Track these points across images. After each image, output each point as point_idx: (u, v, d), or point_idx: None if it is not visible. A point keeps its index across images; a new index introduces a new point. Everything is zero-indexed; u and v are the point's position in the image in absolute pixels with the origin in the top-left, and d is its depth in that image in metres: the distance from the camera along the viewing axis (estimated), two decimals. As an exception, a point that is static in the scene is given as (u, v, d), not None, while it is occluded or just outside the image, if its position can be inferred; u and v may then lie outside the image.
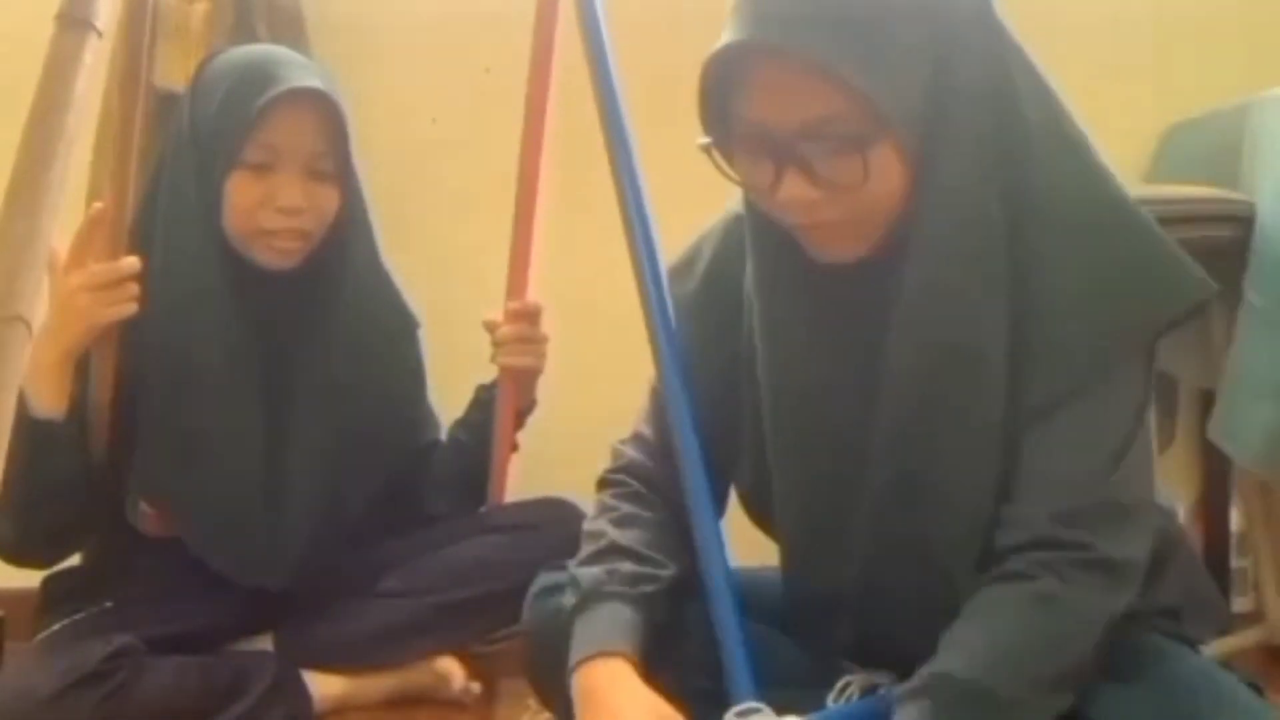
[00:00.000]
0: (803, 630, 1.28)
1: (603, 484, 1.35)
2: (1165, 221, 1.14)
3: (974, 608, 1.09)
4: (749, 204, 1.18)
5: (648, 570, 1.23)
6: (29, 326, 0.83)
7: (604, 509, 1.30)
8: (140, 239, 1.61)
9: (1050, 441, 1.10)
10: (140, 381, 1.64)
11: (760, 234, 1.18)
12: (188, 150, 1.64)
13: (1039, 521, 1.08)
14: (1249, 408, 1.67)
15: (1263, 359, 1.67)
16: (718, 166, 1.13)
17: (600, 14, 1.48)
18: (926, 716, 1.03)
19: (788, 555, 1.27)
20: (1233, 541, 2.09)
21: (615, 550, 1.24)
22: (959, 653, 1.06)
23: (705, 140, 1.12)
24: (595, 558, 1.24)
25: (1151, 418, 1.15)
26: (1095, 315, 1.09)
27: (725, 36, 1.06)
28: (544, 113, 1.74)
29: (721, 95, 1.10)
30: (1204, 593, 1.25)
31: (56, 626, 1.66)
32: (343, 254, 1.71)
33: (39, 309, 0.88)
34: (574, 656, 1.18)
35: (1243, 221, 1.72)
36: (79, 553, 1.75)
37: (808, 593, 1.26)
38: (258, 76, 1.62)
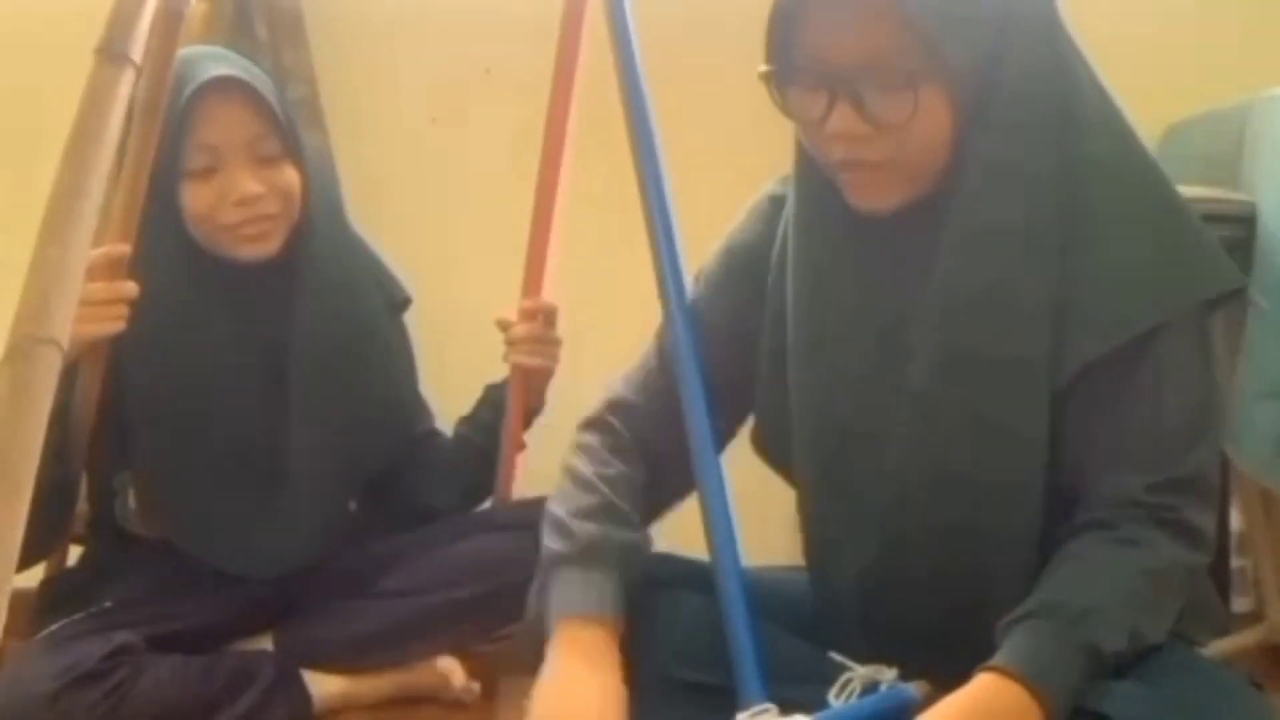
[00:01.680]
0: (820, 588, 1.29)
1: (590, 424, 1.36)
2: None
3: (1064, 553, 1.12)
4: (799, 148, 1.21)
5: (638, 542, 1.25)
6: (61, 349, 0.85)
7: (593, 457, 1.31)
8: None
9: (1130, 412, 1.13)
10: (134, 393, 1.64)
11: (806, 178, 1.21)
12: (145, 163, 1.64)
13: (1128, 487, 1.12)
14: (1256, 412, 1.67)
15: (1264, 358, 1.67)
16: (772, 97, 1.16)
17: (627, 9, 1.47)
18: (1040, 636, 1.04)
19: (807, 500, 1.28)
20: (1233, 541, 2.09)
21: (612, 512, 1.25)
22: (1062, 584, 1.08)
23: (764, 69, 1.15)
24: (593, 514, 1.25)
25: None
26: (1146, 287, 1.12)
27: None
28: (566, 113, 1.72)
29: (787, 24, 1.13)
30: (1205, 595, 1.26)
31: (56, 626, 1.66)
32: (313, 234, 1.71)
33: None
34: (562, 607, 1.19)
35: (1243, 221, 1.72)
36: (57, 555, 1.75)
37: (826, 536, 1.27)
38: (176, 83, 1.59)
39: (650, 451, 1.33)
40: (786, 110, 1.17)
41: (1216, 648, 1.66)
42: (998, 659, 1.05)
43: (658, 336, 1.38)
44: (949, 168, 1.13)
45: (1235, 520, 2.08)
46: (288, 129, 1.67)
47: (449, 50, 2.19)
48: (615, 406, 1.36)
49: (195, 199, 1.63)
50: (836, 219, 1.19)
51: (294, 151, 1.68)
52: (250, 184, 1.63)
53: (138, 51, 0.96)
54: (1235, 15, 2.22)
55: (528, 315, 1.79)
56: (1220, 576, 2.05)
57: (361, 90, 2.17)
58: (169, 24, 1.38)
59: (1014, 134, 1.12)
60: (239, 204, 1.63)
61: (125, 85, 0.94)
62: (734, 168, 2.07)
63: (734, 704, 1.18)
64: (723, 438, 1.34)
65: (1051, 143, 1.13)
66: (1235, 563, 2.10)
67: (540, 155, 1.75)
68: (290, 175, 1.67)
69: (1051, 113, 1.13)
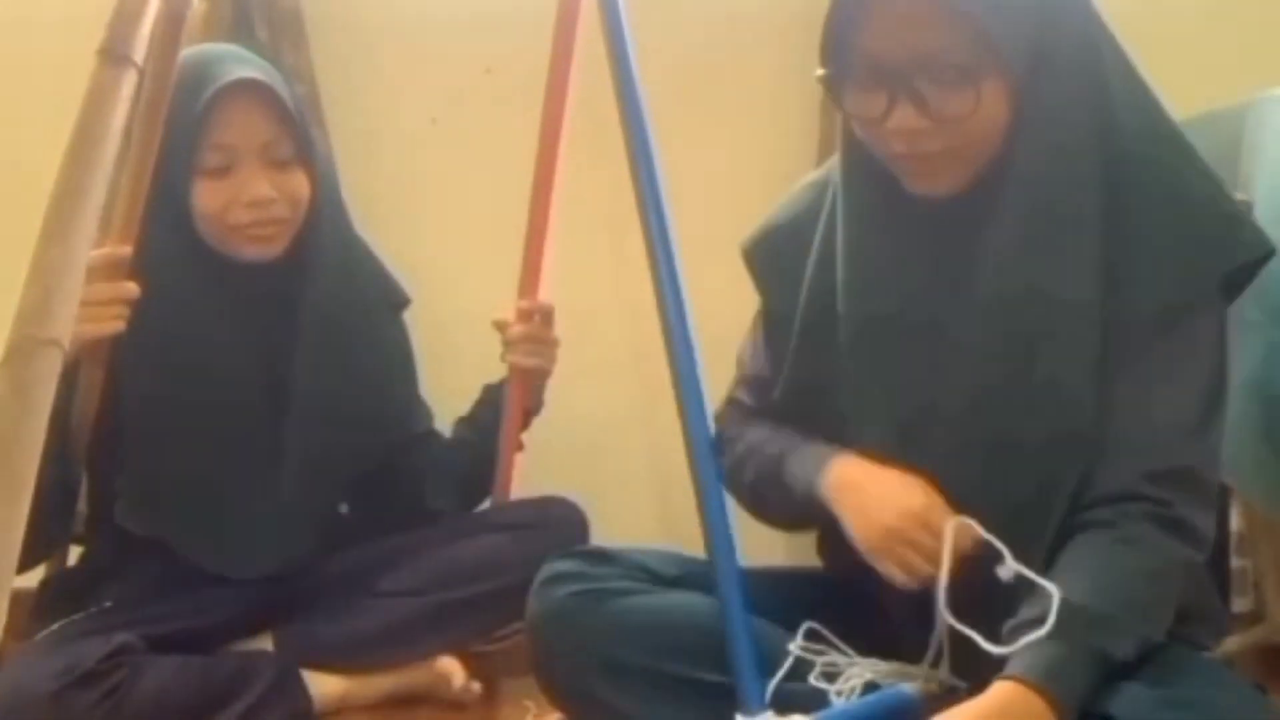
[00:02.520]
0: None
1: (720, 416, 1.41)
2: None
3: (1066, 556, 1.13)
4: (846, 137, 1.24)
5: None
6: (62, 350, 0.85)
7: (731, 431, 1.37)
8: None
9: (1140, 400, 1.15)
10: (132, 390, 1.64)
11: (854, 167, 1.25)
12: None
13: (1128, 477, 1.13)
14: (1234, 417, 1.67)
15: (1246, 359, 1.66)
16: (830, 97, 1.21)
17: (622, 10, 1.47)
18: (1054, 645, 1.06)
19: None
20: (1233, 541, 2.09)
21: (772, 433, 1.32)
22: (1071, 589, 1.10)
23: (821, 72, 1.19)
24: (755, 449, 1.32)
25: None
26: (1180, 252, 1.16)
27: None
28: (561, 112, 1.73)
29: (844, 28, 1.17)
30: (1206, 599, 1.26)
31: (55, 626, 1.66)
32: (319, 236, 1.71)
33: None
34: (811, 471, 1.26)
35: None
36: (55, 556, 1.75)
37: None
38: (192, 81, 1.61)
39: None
40: (844, 109, 1.21)
41: (1217, 648, 1.66)
42: (1014, 669, 1.06)
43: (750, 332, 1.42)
44: (1002, 149, 1.17)
45: (1235, 520, 2.08)
46: (302, 132, 1.68)
47: (449, 50, 2.19)
48: (729, 407, 1.41)
49: (207, 197, 1.63)
50: (892, 205, 1.22)
51: (306, 155, 1.68)
52: (263, 187, 1.63)
53: (140, 53, 0.96)
54: (1235, 15, 2.22)
55: (525, 316, 1.80)
56: (1220, 576, 2.05)
57: (361, 90, 2.17)
58: (171, 26, 1.38)
59: (1062, 115, 1.15)
60: (250, 206, 1.63)
61: (127, 86, 0.94)
62: (730, 167, 2.08)
63: (730, 700, 1.18)
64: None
65: (1093, 121, 1.17)
66: (1235, 563, 2.09)
67: (535, 155, 1.75)
68: (300, 180, 1.67)
69: (1091, 91, 1.17)
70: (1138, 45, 2.25)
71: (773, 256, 1.36)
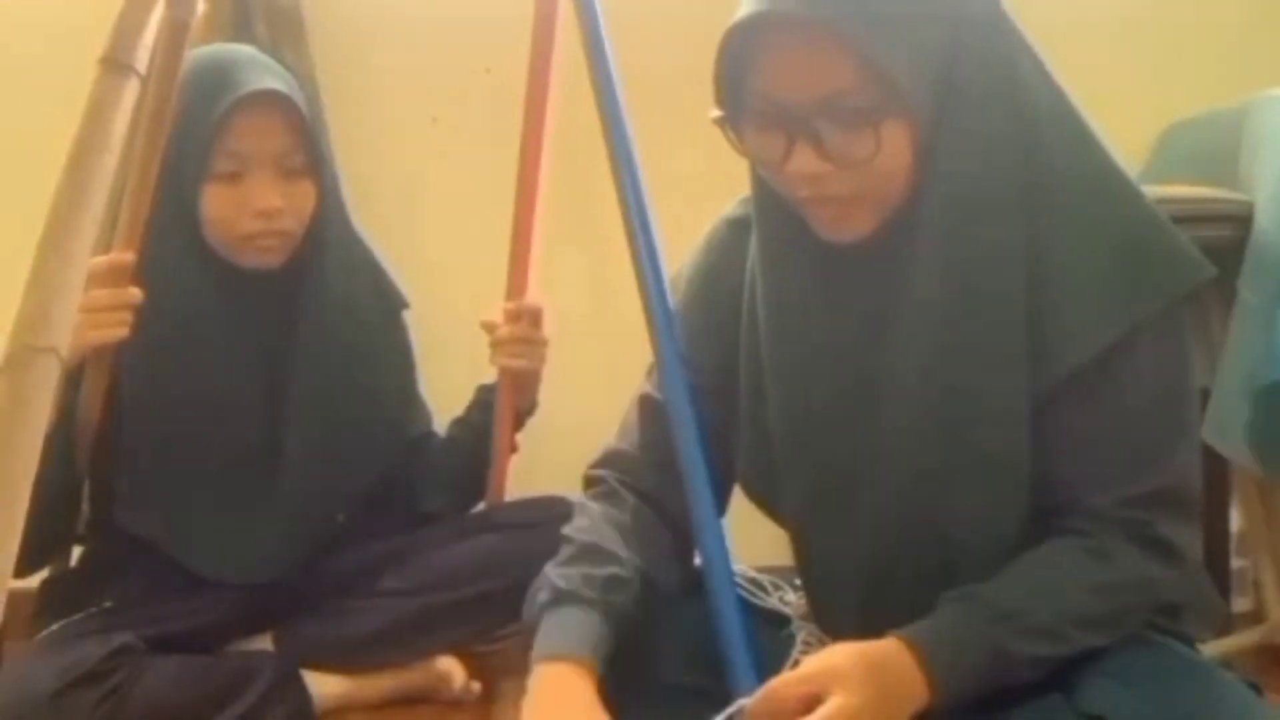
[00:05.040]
0: (815, 612, 1.29)
1: (587, 482, 1.35)
2: (1163, 221, 1.15)
3: (1028, 555, 1.12)
4: (757, 182, 1.19)
5: (620, 574, 1.21)
6: (60, 359, 0.85)
7: (581, 510, 1.30)
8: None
9: (1104, 433, 1.12)
10: (132, 393, 1.64)
11: (767, 212, 1.19)
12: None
13: (1105, 501, 1.11)
14: (1238, 404, 1.67)
15: (1253, 355, 1.67)
16: (729, 140, 1.14)
17: (599, 13, 1.48)
18: (967, 620, 1.06)
19: (794, 538, 1.28)
20: (1233, 541, 2.09)
21: (590, 551, 1.23)
22: (1004, 581, 1.09)
23: (718, 114, 1.13)
24: (570, 560, 1.24)
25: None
26: (1110, 299, 1.11)
27: (743, 9, 1.08)
28: (543, 113, 1.73)
29: (737, 68, 1.11)
30: (1203, 591, 1.26)
31: (56, 626, 1.66)
32: (323, 245, 1.71)
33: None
34: (537, 652, 1.17)
35: (1241, 221, 1.72)
36: (58, 560, 1.76)
37: (816, 575, 1.27)
38: (213, 85, 1.61)
39: (648, 494, 1.31)
40: (744, 151, 1.15)
41: (1216, 648, 1.67)
42: (911, 628, 1.07)
43: (648, 375, 1.36)
44: (913, 190, 1.11)
45: (1235, 520, 2.08)
46: (314, 144, 1.68)
47: (449, 50, 2.19)
48: (607, 459, 1.35)
49: (216, 204, 1.63)
50: (803, 251, 1.17)
51: (316, 166, 1.68)
52: (273, 197, 1.63)
53: (142, 62, 0.96)
54: (1235, 15, 2.22)
55: (512, 317, 1.79)
56: (1220, 576, 2.06)
57: (361, 90, 2.17)
58: (174, 34, 1.38)
59: (973, 154, 1.09)
60: (258, 215, 1.63)
61: (129, 95, 0.94)
62: (711, 166, 2.08)
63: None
64: (723, 491, 1.32)
65: (1009, 156, 1.10)
66: (1235, 563, 2.10)
67: (519, 156, 1.75)
68: (308, 191, 1.67)
69: (1008, 125, 1.10)
70: (1138, 46, 2.27)
71: (690, 305, 1.32)
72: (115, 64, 0.94)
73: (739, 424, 1.27)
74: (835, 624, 1.25)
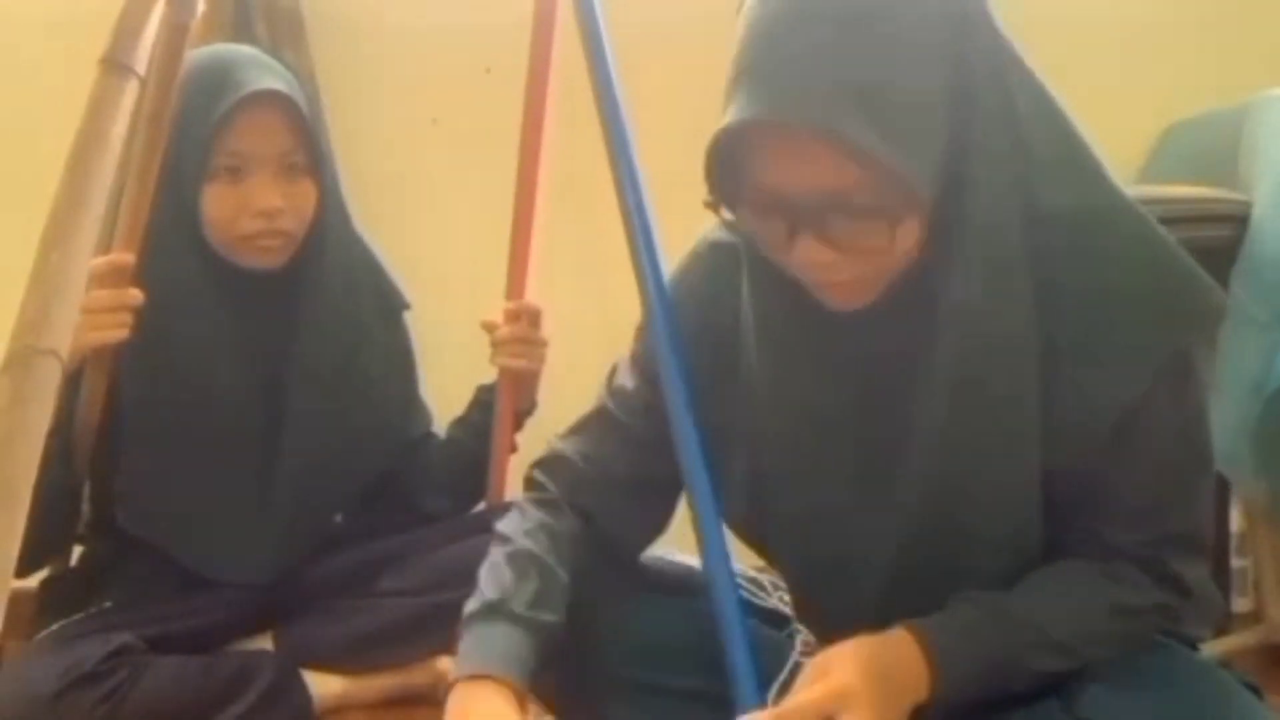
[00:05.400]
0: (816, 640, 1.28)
1: (528, 483, 1.32)
2: (1163, 221, 1.14)
3: (1048, 568, 1.11)
4: (749, 249, 1.12)
5: (548, 588, 1.19)
6: (60, 360, 0.84)
7: (521, 512, 1.27)
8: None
9: (1123, 475, 1.10)
10: (131, 393, 1.65)
11: (760, 277, 1.13)
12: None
13: (1125, 542, 1.11)
14: (1232, 411, 1.67)
15: (1246, 356, 1.67)
16: (723, 221, 1.09)
17: (599, 15, 1.48)
18: (970, 625, 1.06)
19: (793, 591, 1.26)
20: (1233, 541, 2.09)
21: (523, 559, 1.21)
22: (1024, 592, 1.08)
23: (710, 199, 1.07)
24: (503, 565, 1.21)
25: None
26: (1123, 358, 1.07)
27: (733, 109, 0.99)
28: (542, 113, 1.74)
29: (732, 154, 1.03)
30: (1204, 589, 1.26)
31: (56, 626, 1.66)
32: (324, 246, 1.71)
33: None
34: (459, 669, 1.14)
35: (1240, 221, 1.72)
36: (59, 561, 1.76)
37: (815, 629, 1.26)
38: (214, 85, 1.60)
39: (587, 511, 1.27)
40: (738, 229, 1.09)
41: (1216, 648, 1.67)
42: (924, 620, 1.06)
43: (606, 384, 1.33)
44: (918, 267, 1.06)
45: (1235, 520, 2.09)
46: (315, 144, 1.68)
47: (449, 50, 2.19)
48: (551, 463, 1.31)
49: (217, 204, 1.63)
50: (801, 314, 1.11)
51: (317, 166, 1.68)
52: (273, 196, 1.63)
53: (141, 63, 0.96)
54: (1235, 15, 2.22)
55: (511, 317, 1.79)
56: (1220, 576, 2.06)
57: (361, 90, 2.17)
58: (173, 36, 1.38)
59: (984, 230, 1.03)
60: (259, 215, 1.63)
61: (128, 96, 0.94)
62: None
63: (729, 709, 1.18)
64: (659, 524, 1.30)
65: (1017, 224, 1.04)
66: (1235, 563, 2.10)
67: (518, 156, 1.75)
68: (309, 192, 1.67)
69: (1015, 194, 1.04)
70: (1138, 46, 2.27)
71: (705, 333, 1.23)
72: (115, 65, 0.94)
73: (730, 463, 1.22)
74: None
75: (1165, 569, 1.11)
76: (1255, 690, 1.11)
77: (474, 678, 1.12)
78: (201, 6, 1.99)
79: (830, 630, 1.17)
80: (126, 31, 0.96)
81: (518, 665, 1.13)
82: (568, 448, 1.30)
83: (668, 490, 1.26)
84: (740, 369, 1.19)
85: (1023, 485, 1.09)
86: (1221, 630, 1.83)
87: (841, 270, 1.03)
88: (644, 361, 1.28)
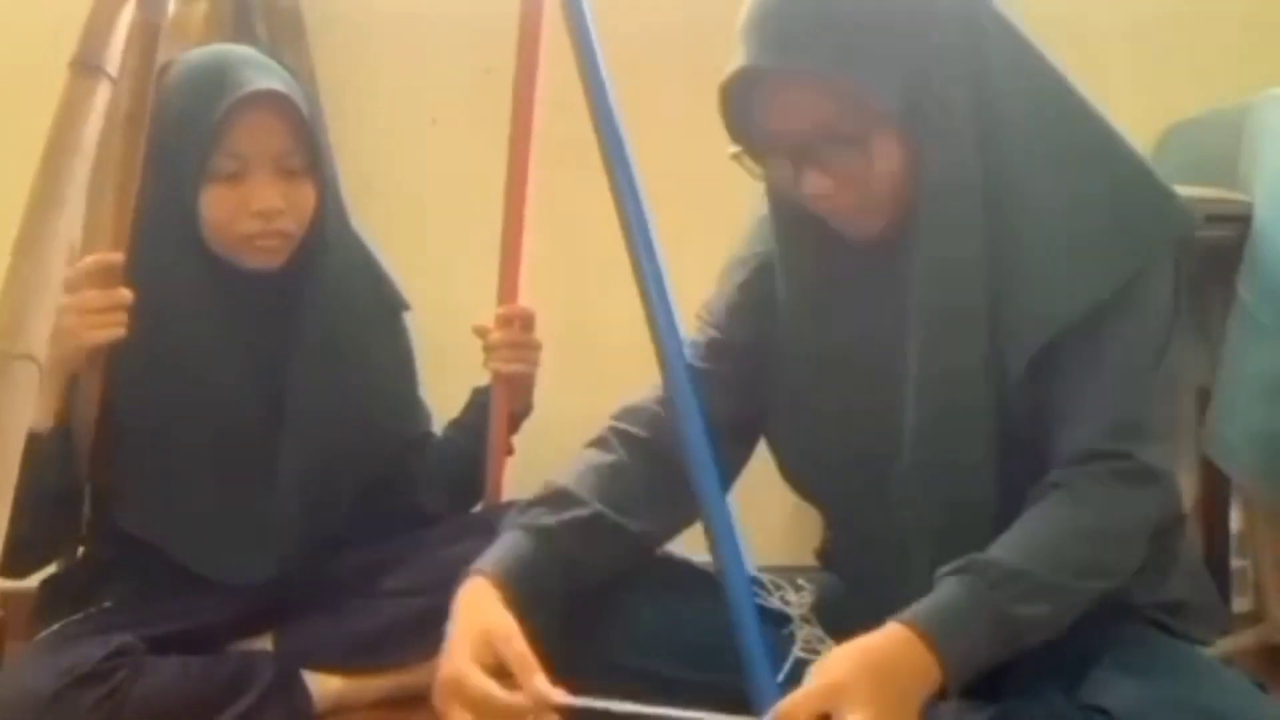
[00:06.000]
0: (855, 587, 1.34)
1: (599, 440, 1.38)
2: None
3: (1018, 521, 1.14)
4: (772, 194, 1.30)
5: (574, 517, 1.25)
6: (38, 364, 0.84)
7: (575, 458, 1.34)
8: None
9: (1086, 375, 1.17)
10: (131, 394, 1.64)
11: (786, 221, 1.30)
12: (152, 163, 1.63)
13: (1083, 438, 1.15)
14: (1239, 414, 1.67)
15: (1252, 359, 1.67)
16: (747, 170, 1.26)
17: (588, 16, 1.48)
18: (967, 589, 1.07)
19: (835, 516, 1.36)
20: (1233, 541, 2.09)
21: (553, 496, 1.28)
22: (999, 545, 1.12)
23: (734, 150, 1.25)
24: (532, 503, 1.29)
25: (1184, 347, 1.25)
26: (1072, 272, 1.17)
27: (733, 60, 1.19)
28: (530, 116, 1.74)
29: (741, 107, 1.22)
30: (1205, 594, 1.26)
31: (56, 626, 1.66)
32: (323, 246, 1.71)
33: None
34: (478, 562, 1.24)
35: (1241, 221, 1.73)
36: (60, 562, 1.75)
37: (856, 550, 1.32)
38: (212, 85, 1.60)
39: (640, 438, 1.35)
40: (765, 178, 1.27)
41: (1216, 647, 1.66)
42: (912, 613, 1.07)
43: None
44: (911, 186, 1.20)
45: (1235, 520, 2.09)
46: (314, 144, 1.67)
47: (449, 50, 2.19)
48: (619, 413, 1.38)
49: (216, 205, 1.63)
50: (822, 250, 1.28)
51: (316, 166, 1.68)
52: (273, 197, 1.63)
53: (113, 64, 0.95)
54: (1235, 15, 2.22)
55: (504, 321, 1.80)
56: (1220, 576, 2.06)
57: (361, 90, 2.17)
58: (146, 36, 1.38)
59: (942, 148, 1.18)
60: (258, 215, 1.63)
61: (100, 97, 0.93)
62: (709, 167, 2.08)
63: (730, 704, 1.18)
64: (732, 469, 1.36)
65: (971, 145, 1.19)
66: (1235, 563, 2.10)
67: (508, 157, 1.75)
68: (308, 192, 1.67)
69: (969, 108, 1.18)
70: (1138, 46, 2.27)
71: (729, 287, 1.39)
72: (85, 66, 0.94)
73: (773, 409, 1.35)
74: (869, 592, 1.27)
75: (1138, 464, 1.14)
76: (1261, 688, 1.12)
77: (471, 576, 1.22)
78: (174, 6, 2.00)
79: (865, 562, 1.26)
80: (94, 33, 0.95)
81: (503, 565, 1.22)
82: (645, 398, 1.39)
83: (745, 434, 1.37)
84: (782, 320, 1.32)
85: (980, 387, 1.18)
86: (1222, 630, 1.83)
87: (843, 196, 1.21)
88: (711, 306, 1.40)
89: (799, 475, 1.36)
